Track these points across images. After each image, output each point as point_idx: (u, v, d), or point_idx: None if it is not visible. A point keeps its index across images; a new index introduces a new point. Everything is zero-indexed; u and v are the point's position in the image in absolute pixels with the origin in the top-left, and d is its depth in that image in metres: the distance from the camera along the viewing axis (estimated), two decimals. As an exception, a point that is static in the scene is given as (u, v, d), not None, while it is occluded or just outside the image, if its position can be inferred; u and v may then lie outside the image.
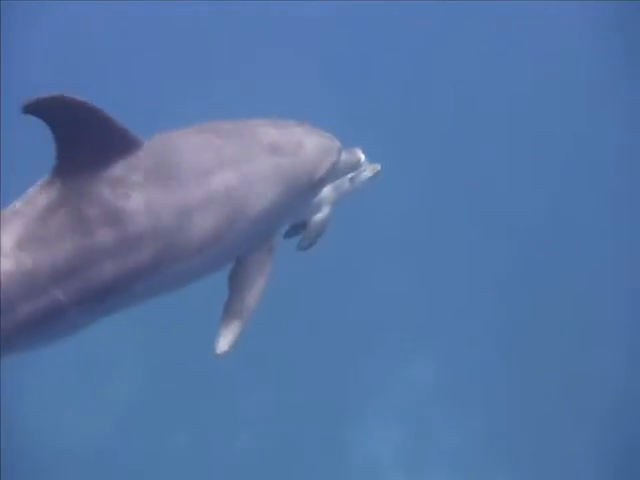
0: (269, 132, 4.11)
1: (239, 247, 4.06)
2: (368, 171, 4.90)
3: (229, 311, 4.07)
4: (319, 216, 4.60)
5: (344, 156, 4.60)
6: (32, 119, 3.41)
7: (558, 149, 11.00)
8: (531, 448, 9.07)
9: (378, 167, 4.96)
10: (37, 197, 3.51)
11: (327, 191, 4.59)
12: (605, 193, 10.96)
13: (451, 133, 10.81)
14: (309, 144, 4.25)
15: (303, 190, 4.24)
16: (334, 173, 4.51)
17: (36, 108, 3.35)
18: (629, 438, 8.89)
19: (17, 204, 3.52)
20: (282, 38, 11.08)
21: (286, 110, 4.40)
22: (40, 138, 3.60)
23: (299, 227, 4.69)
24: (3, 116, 9.43)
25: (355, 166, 4.79)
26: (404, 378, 9.54)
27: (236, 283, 4.14)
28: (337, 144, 4.50)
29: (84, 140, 3.49)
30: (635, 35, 10.95)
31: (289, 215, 4.34)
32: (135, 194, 3.55)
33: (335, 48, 11.42)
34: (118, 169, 3.56)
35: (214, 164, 3.81)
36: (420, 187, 10.12)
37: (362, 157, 4.83)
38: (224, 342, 4.00)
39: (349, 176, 4.76)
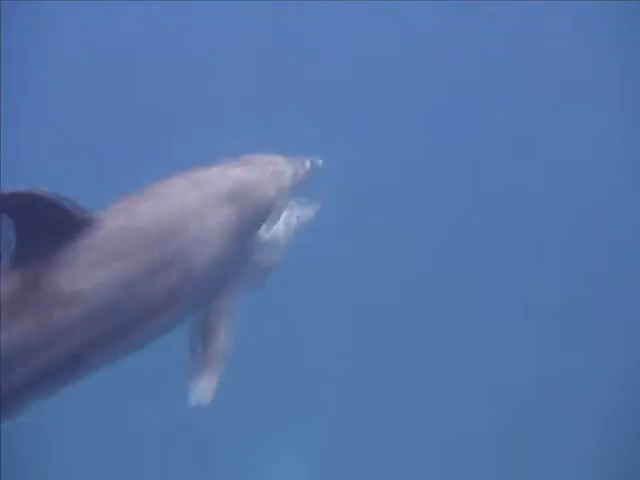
0: (214, 183, 4.19)
1: (197, 303, 4.15)
2: (309, 210, 4.76)
3: (200, 361, 4.09)
4: (269, 255, 4.50)
5: (294, 174, 4.58)
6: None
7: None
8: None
9: (317, 207, 4.81)
10: None
11: (276, 230, 4.47)
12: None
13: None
14: (254, 182, 4.31)
15: (258, 226, 4.32)
16: (287, 196, 4.52)
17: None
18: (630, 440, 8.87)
19: None
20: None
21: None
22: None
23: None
24: (3, 116, 9.45)
25: (309, 176, 4.68)
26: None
27: (203, 333, 4.16)
28: (285, 167, 4.55)
29: (35, 227, 3.67)
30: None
31: (249, 254, 4.36)
32: (86, 274, 3.73)
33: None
34: (69, 251, 3.74)
35: (165, 230, 3.94)
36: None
37: (316, 163, 4.72)
38: (201, 393, 3.99)
39: (293, 217, 4.60)
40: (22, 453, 7.91)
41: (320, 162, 4.78)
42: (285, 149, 4.80)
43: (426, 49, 11.29)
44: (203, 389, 3.99)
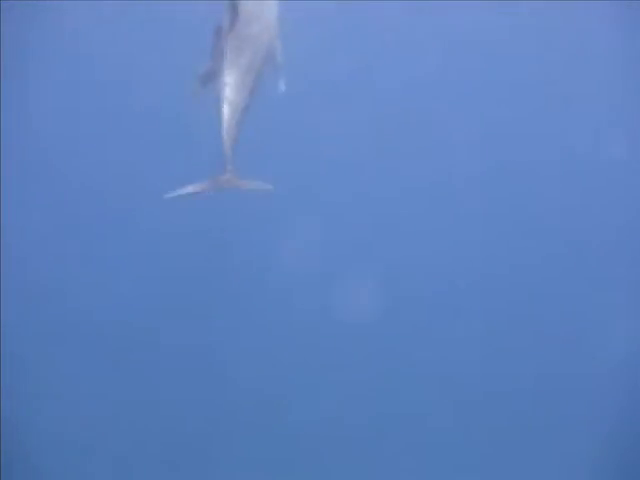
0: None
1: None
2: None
3: (275, 69, 7.57)
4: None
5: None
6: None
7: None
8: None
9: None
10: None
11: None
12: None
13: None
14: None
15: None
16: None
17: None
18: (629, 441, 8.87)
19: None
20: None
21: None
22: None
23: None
24: (3, 116, 9.47)
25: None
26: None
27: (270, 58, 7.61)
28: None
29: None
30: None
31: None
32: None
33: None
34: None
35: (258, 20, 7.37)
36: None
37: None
38: (281, 83, 7.64)
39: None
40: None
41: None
42: None
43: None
44: (281, 80, 7.61)
